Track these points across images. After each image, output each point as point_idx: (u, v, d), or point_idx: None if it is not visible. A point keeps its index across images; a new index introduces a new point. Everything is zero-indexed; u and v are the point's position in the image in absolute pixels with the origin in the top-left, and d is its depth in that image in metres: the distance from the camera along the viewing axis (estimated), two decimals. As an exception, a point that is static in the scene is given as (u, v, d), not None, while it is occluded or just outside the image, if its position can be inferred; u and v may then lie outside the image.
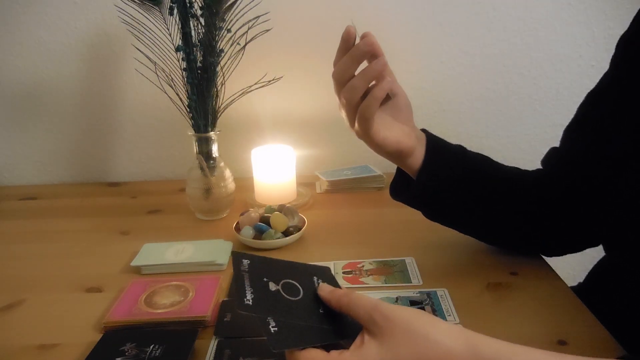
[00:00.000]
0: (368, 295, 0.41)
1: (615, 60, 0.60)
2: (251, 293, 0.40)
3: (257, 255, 0.46)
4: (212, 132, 0.88)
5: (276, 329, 0.39)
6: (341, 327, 0.43)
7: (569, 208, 0.64)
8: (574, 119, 0.66)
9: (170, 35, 0.82)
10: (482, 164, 0.67)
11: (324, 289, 0.44)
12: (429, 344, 0.37)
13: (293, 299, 0.43)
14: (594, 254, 0.73)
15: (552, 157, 0.68)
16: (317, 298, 0.44)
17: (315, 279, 0.46)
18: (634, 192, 0.53)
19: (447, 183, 0.63)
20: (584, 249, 0.68)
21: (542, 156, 0.71)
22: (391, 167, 1.20)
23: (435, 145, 0.63)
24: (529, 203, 0.66)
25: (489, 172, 0.66)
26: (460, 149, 0.66)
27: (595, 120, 0.61)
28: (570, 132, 0.66)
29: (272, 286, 0.42)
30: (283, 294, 0.42)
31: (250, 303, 0.39)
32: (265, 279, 0.42)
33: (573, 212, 0.64)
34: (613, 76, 0.60)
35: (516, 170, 0.69)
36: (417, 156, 0.62)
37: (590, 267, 0.74)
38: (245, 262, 0.43)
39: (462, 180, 0.64)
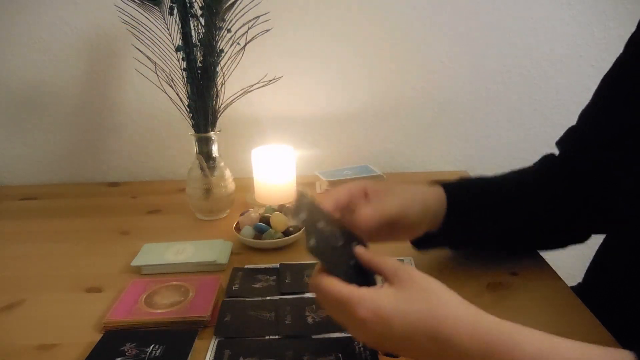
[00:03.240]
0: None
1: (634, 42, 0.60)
2: (305, 215, 0.46)
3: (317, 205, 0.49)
4: (212, 132, 0.88)
5: (315, 245, 0.45)
6: (363, 282, 0.46)
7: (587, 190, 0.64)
8: (591, 102, 0.66)
9: (170, 35, 0.82)
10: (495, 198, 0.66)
11: (361, 248, 0.47)
12: (440, 303, 0.41)
13: (333, 243, 0.48)
14: (593, 253, 0.73)
15: (570, 137, 0.69)
16: (352, 253, 0.48)
17: (354, 242, 0.50)
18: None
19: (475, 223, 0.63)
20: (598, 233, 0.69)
21: (541, 156, 0.71)
22: (390, 168, 1.20)
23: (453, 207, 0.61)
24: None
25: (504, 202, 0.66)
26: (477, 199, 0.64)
27: (612, 101, 0.61)
28: (588, 113, 0.66)
29: (321, 224, 0.47)
30: (326, 235, 0.47)
31: (302, 219, 0.46)
32: (316, 218, 0.47)
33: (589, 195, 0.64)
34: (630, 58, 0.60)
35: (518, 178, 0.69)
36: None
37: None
38: (308, 200, 0.48)
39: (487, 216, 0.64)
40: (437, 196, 0.60)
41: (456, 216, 0.60)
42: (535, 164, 0.72)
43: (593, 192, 0.63)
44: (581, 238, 0.69)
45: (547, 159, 0.71)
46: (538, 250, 0.72)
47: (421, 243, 0.65)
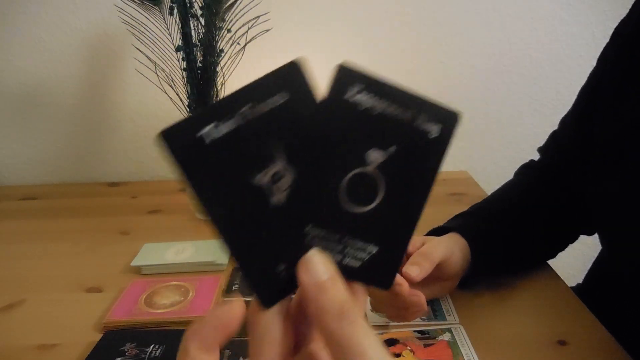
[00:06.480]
0: (376, 341, 0.22)
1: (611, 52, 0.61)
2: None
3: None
4: (212, 132, 0.88)
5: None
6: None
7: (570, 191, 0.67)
8: (570, 110, 0.69)
9: (170, 35, 0.82)
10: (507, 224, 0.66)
11: (314, 268, 0.24)
12: None
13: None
14: (593, 254, 0.73)
15: (550, 144, 0.73)
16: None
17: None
18: (632, 193, 0.53)
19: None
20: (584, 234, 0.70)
21: (520, 165, 0.76)
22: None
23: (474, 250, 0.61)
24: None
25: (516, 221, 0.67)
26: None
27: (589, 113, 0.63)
28: (567, 122, 0.70)
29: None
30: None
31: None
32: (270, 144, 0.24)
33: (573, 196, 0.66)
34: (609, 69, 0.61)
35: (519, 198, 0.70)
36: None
37: (589, 267, 0.74)
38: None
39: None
40: (464, 243, 0.60)
41: (481, 260, 0.60)
42: (518, 177, 0.75)
43: (572, 198, 0.66)
44: (572, 238, 0.71)
45: (527, 168, 0.75)
46: (546, 261, 0.72)
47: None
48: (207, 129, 0.23)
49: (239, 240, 0.24)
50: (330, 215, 0.25)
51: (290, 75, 0.24)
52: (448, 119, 0.26)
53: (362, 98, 0.25)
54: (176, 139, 0.23)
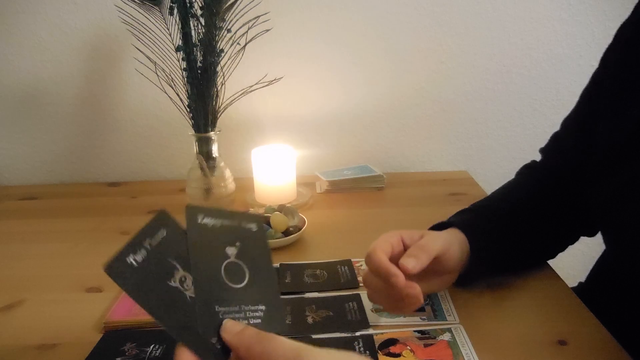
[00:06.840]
0: (287, 340, 0.34)
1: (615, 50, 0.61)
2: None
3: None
4: (212, 132, 0.88)
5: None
6: None
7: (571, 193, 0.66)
8: (572, 112, 0.69)
9: (170, 35, 0.82)
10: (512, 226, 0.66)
11: (230, 329, 0.36)
12: None
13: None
14: (594, 254, 0.73)
15: (552, 146, 0.72)
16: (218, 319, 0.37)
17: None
18: (631, 194, 0.53)
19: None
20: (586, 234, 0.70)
21: (522, 166, 0.76)
22: (390, 168, 1.20)
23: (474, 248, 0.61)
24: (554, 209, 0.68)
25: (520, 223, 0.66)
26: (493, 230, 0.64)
27: (590, 114, 0.63)
28: (569, 124, 0.69)
29: (178, 276, 0.37)
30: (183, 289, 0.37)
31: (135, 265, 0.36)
32: (173, 262, 0.37)
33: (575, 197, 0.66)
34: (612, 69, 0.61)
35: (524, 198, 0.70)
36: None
37: (591, 267, 0.74)
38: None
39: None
40: (464, 238, 0.60)
41: (480, 256, 0.60)
42: (520, 177, 0.74)
43: (573, 199, 0.66)
44: (572, 239, 0.70)
45: (528, 168, 0.75)
46: (547, 261, 0.71)
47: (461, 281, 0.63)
48: (130, 258, 0.36)
49: (178, 328, 0.35)
50: (225, 295, 0.37)
51: (163, 219, 0.39)
52: (259, 219, 0.42)
53: (208, 220, 0.40)
54: (114, 269, 0.35)
